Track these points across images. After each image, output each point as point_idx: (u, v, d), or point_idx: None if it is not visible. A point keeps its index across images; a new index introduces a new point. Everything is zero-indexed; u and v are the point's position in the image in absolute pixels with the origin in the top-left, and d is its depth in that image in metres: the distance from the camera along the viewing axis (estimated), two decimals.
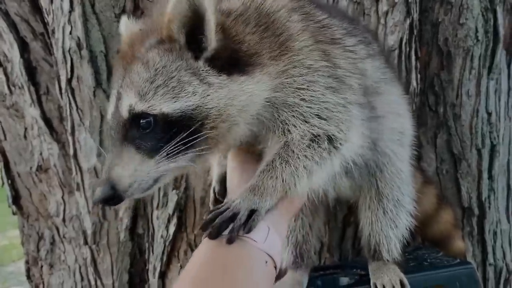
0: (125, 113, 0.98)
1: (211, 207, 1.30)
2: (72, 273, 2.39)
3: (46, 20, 1.92)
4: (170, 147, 0.95)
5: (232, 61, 1.01)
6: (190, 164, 1.01)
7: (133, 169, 0.95)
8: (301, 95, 1.06)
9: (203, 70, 0.99)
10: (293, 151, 1.05)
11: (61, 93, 1.95)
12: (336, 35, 1.17)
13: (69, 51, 1.76)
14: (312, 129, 1.07)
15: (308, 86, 1.07)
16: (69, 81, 1.80)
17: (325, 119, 1.07)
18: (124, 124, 0.98)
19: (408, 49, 1.86)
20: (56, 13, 1.78)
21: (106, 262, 1.93)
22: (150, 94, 0.96)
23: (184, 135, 0.95)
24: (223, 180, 1.28)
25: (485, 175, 2.15)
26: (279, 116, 1.07)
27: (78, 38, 1.71)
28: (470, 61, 2.12)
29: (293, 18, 1.11)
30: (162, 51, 0.99)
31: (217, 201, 1.33)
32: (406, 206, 1.40)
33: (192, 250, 1.76)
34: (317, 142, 1.07)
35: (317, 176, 1.08)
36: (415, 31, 1.89)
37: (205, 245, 0.96)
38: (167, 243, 1.76)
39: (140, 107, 0.96)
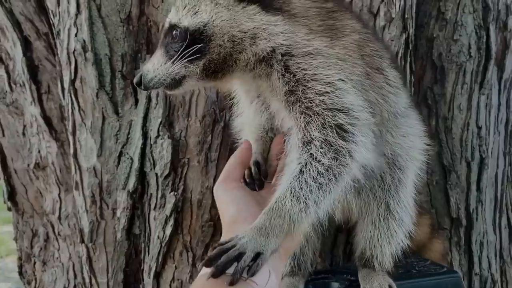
0: (166, 24, 1.25)
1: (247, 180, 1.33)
2: (65, 271, 2.42)
3: (51, 22, 1.95)
4: (183, 52, 1.15)
5: None
6: (197, 72, 1.18)
7: (156, 67, 1.19)
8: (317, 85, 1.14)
9: None
10: (307, 182, 1.08)
11: (63, 93, 1.98)
12: (384, 67, 1.29)
13: (73, 52, 1.79)
14: (336, 131, 1.12)
15: (330, 87, 1.13)
16: (72, 82, 1.83)
17: (348, 121, 1.12)
18: (165, 33, 1.24)
19: (403, 63, 1.92)
20: (62, 15, 1.81)
21: (101, 261, 1.95)
22: (180, 10, 1.20)
23: (195, 45, 1.15)
24: (265, 157, 1.37)
25: (473, 187, 2.21)
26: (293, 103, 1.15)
27: (84, 40, 1.75)
28: (462, 76, 2.19)
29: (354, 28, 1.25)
30: None
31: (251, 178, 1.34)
32: (407, 227, 1.44)
33: (188, 252, 1.80)
34: (337, 159, 1.10)
35: (327, 205, 1.11)
36: (410, 46, 1.95)
37: (203, 281, 0.99)
38: (163, 244, 1.80)
39: (174, 20, 1.20)
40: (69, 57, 1.82)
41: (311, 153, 1.10)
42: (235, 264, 0.98)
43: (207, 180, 1.78)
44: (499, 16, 2.29)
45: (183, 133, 1.78)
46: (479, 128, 2.23)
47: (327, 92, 1.13)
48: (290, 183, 1.09)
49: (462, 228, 2.18)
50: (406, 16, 1.87)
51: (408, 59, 1.95)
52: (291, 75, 1.16)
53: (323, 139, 1.11)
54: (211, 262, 1.00)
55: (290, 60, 1.16)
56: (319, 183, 1.08)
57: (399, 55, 1.83)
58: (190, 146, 1.78)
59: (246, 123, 1.43)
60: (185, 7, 1.19)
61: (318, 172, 1.08)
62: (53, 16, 1.88)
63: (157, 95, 1.75)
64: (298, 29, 1.18)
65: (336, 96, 1.13)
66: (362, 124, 1.15)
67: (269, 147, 1.38)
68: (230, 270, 0.98)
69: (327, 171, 1.09)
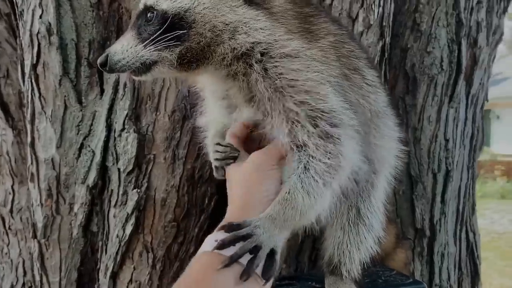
0: (141, 5, 1.18)
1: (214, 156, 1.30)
2: (14, 268, 2.29)
3: (15, 1, 1.83)
4: (159, 37, 1.10)
5: None
6: (171, 59, 1.12)
7: (125, 49, 1.13)
8: (297, 86, 1.12)
9: None
10: (315, 179, 1.09)
11: (23, 78, 1.86)
12: (361, 67, 1.27)
13: (37, 35, 1.69)
14: (321, 137, 1.11)
15: (310, 95, 1.11)
16: (34, 66, 1.72)
17: (333, 124, 1.11)
18: (138, 14, 1.18)
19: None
20: None
21: (54, 258, 1.84)
22: None
23: (173, 30, 1.10)
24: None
25: (438, 198, 2.23)
26: (273, 93, 1.12)
27: (49, 23, 1.64)
28: (433, 88, 2.22)
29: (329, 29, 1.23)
30: None
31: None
32: (376, 233, 1.42)
33: (148, 252, 1.72)
34: (333, 159, 1.11)
35: (327, 203, 1.15)
36: (386, 54, 1.95)
37: (204, 263, 1.00)
38: (122, 244, 1.71)
39: (150, 2, 1.14)
40: (31, 40, 1.71)
41: (309, 154, 1.11)
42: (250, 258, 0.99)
43: (173, 179, 1.70)
44: (470, 32, 2.33)
45: (150, 128, 1.69)
46: (447, 140, 2.25)
47: (307, 101, 1.11)
48: (300, 176, 1.10)
49: (426, 239, 2.20)
50: (384, 23, 1.86)
51: (383, 67, 1.94)
52: (271, 80, 1.12)
53: (313, 143, 1.11)
54: (224, 246, 0.99)
55: (268, 62, 1.13)
56: (324, 180, 1.10)
57: (375, 62, 1.81)
58: (157, 142, 1.70)
59: (210, 122, 1.38)
60: None
61: (322, 170, 1.10)
62: None
63: (125, 86, 1.67)
64: (278, 28, 1.15)
65: (317, 103, 1.11)
66: (346, 126, 1.14)
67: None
68: (243, 260, 0.98)
69: (329, 169, 1.10)
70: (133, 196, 1.67)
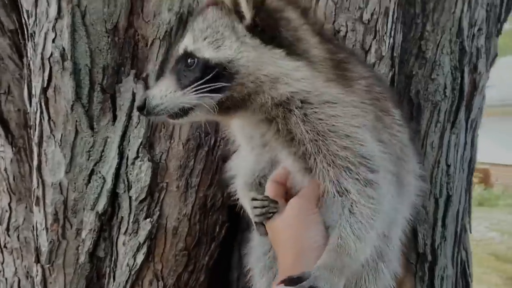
0: (180, 50, 1.19)
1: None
2: (9, 287, 2.24)
3: (25, 21, 1.79)
4: (200, 85, 1.11)
5: (274, 36, 1.15)
6: (210, 106, 1.12)
7: (164, 94, 1.14)
8: (338, 132, 1.15)
9: (241, 31, 1.15)
10: (362, 223, 1.13)
11: (30, 100, 1.82)
12: (389, 107, 1.30)
13: (49, 59, 1.65)
14: (364, 183, 1.14)
15: (350, 140, 1.14)
16: (44, 90, 1.69)
17: (372, 170, 1.14)
18: (177, 58, 1.20)
19: None
20: (39, 17, 1.66)
21: (58, 283, 1.81)
22: (200, 40, 1.16)
23: (215, 79, 1.11)
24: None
25: (439, 223, 2.27)
26: (313, 139, 1.15)
27: (63, 48, 1.61)
28: (437, 114, 2.25)
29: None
30: (216, 10, 1.19)
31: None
32: (394, 268, 1.41)
33: (158, 281, 1.71)
34: (374, 204, 1.14)
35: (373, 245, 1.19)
36: (395, 83, 1.97)
37: None
38: (132, 272, 1.69)
39: (191, 48, 1.16)
40: (43, 63, 1.68)
41: (352, 199, 1.13)
42: None
43: (185, 207, 1.69)
44: (471, 58, 2.37)
45: (164, 156, 1.68)
46: (448, 166, 2.29)
47: (348, 146, 1.14)
48: (348, 221, 1.12)
49: (427, 263, 2.23)
50: (394, 54, 1.88)
51: None
52: (311, 125, 1.15)
53: (356, 190, 1.13)
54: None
55: (308, 109, 1.15)
56: (370, 224, 1.13)
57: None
58: (170, 170, 1.68)
59: (241, 167, 1.38)
60: (205, 38, 1.15)
61: (367, 214, 1.13)
62: (28, 16, 1.72)
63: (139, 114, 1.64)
64: (317, 77, 1.17)
65: (357, 149, 1.14)
66: (384, 171, 1.18)
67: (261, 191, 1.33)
68: None
69: (373, 213, 1.14)
70: (145, 226, 1.66)
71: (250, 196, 1.31)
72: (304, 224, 1.16)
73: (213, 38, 1.15)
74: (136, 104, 1.18)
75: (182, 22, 1.63)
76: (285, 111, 1.16)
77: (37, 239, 1.86)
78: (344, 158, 1.14)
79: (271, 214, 1.23)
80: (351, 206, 1.14)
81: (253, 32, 1.14)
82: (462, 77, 2.28)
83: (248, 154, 1.35)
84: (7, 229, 2.31)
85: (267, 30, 1.15)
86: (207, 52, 1.13)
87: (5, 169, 2.26)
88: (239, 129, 1.34)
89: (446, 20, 2.23)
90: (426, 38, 2.22)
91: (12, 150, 2.22)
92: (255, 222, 1.31)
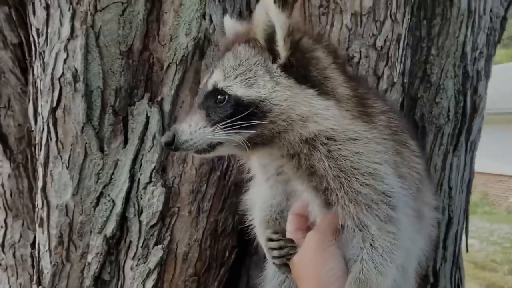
0: (210, 86, 1.18)
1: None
2: None
3: (33, 38, 1.74)
4: (231, 122, 1.10)
5: (306, 75, 1.16)
6: (239, 142, 1.12)
7: (194, 130, 1.13)
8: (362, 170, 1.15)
9: (275, 71, 1.15)
10: (384, 257, 1.13)
11: (35, 118, 1.78)
12: (406, 139, 1.30)
13: (59, 79, 1.61)
14: (384, 220, 1.14)
15: (372, 177, 1.14)
16: (53, 110, 1.64)
17: (393, 207, 1.14)
18: (206, 94, 1.18)
19: None
20: (51, 36, 1.62)
21: None
22: (232, 77, 1.15)
23: (246, 117, 1.10)
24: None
25: (441, 245, 2.29)
26: (339, 177, 1.14)
27: (76, 69, 1.57)
28: (440, 138, 2.27)
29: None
30: (247, 47, 1.20)
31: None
32: None
33: None
34: (394, 239, 1.14)
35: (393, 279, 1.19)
36: (404, 108, 1.99)
37: None
38: None
39: (222, 85, 1.15)
40: (52, 83, 1.63)
41: (372, 234, 1.14)
42: None
43: (196, 232, 1.67)
44: (472, 81, 2.41)
45: (177, 180, 1.65)
46: (450, 188, 2.32)
47: (370, 184, 1.14)
48: (369, 255, 1.13)
49: (429, 286, 2.25)
50: (405, 80, 1.90)
51: None
52: (335, 161, 1.14)
53: (376, 226, 1.14)
54: None
55: (333, 145, 1.15)
56: (391, 259, 1.13)
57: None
58: (182, 195, 1.66)
59: (257, 200, 1.37)
60: (237, 76, 1.15)
61: (388, 249, 1.14)
62: (38, 35, 1.68)
63: (154, 138, 1.61)
64: (344, 115, 1.17)
65: (378, 186, 1.14)
66: (404, 206, 1.18)
67: (278, 227, 1.33)
68: None
69: (393, 248, 1.14)
70: (157, 252, 1.62)
71: (266, 235, 1.31)
72: (322, 258, 1.16)
73: (245, 76, 1.15)
74: (164, 139, 1.14)
75: (199, 47, 1.60)
76: (310, 147, 1.16)
77: (39, 261, 1.81)
78: (366, 196, 1.14)
79: (290, 255, 1.23)
80: (372, 240, 1.14)
81: (287, 72, 1.15)
82: (465, 101, 2.31)
83: (263, 184, 1.35)
84: (2, 245, 2.25)
85: (300, 69, 1.15)
86: (240, 90, 1.13)
87: (2, 185, 2.20)
88: (255, 159, 1.34)
89: (450, 44, 2.26)
90: (431, 62, 2.25)
91: (10, 166, 2.16)
92: (274, 263, 1.30)
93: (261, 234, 1.35)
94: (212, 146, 1.14)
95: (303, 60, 1.16)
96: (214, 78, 1.18)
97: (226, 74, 1.17)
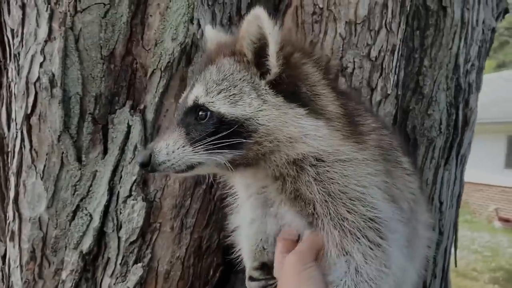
0: (190, 101, 1.10)
1: None
2: None
3: (7, 39, 1.63)
4: (212, 141, 1.02)
5: (294, 93, 1.08)
6: (221, 163, 1.04)
7: (172, 150, 1.05)
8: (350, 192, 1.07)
9: (263, 88, 1.07)
10: (369, 284, 1.05)
11: (9, 124, 1.66)
12: (398, 157, 1.23)
13: (35, 83, 1.50)
14: (370, 247, 1.06)
15: (362, 193, 1.07)
16: (27, 116, 1.53)
17: (380, 233, 1.07)
18: (186, 110, 1.10)
19: None
20: (26, 37, 1.51)
21: None
22: (214, 93, 1.07)
23: (229, 136, 1.02)
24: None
25: (431, 261, 2.23)
26: (326, 200, 1.07)
27: (53, 74, 1.46)
28: (432, 151, 2.22)
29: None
30: (233, 61, 1.11)
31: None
32: None
33: None
34: (380, 265, 1.07)
35: None
36: (397, 121, 1.93)
37: None
38: None
39: (203, 100, 1.07)
40: (27, 88, 1.52)
41: (357, 261, 1.06)
42: None
43: (179, 249, 1.57)
44: (464, 94, 2.36)
45: (158, 194, 1.55)
46: (441, 203, 2.26)
47: (358, 210, 1.07)
48: (353, 280, 1.05)
49: None
50: (399, 92, 1.83)
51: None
52: (323, 184, 1.07)
53: (361, 253, 1.06)
54: None
55: (322, 167, 1.08)
56: (377, 285, 1.06)
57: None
58: (164, 209, 1.56)
59: (243, 227, 1.29)
60: (220, 92, 1.07)
61: (374, 275, 1.06)
62: (13, 35, 1.57)
63: (135, 148, 1.51)
64: (334, 135, 1.10)
65: (367, 212, 1.07)
66: (393, 232, 1.11)
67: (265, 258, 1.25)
68: None
69: (380, 274, 1.07)
70: (136, 271, 1.52)
71: (248, 273, 1.25)
72: (299, 281, 1.08)
73: (230, 92, 1.07)
74: (140, 159, 1.06)
75: (185, 53, 1.51)
76: (298, 169, 1.09)
77: (9, 277, 1.70)
78: (352, 223, 1.07)
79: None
80: (357, 265, 1.07)
81: (276, 89, 1.07)
82: (457, 114, 2.26)
83: (244, 203, 1.27)
84: None
85: (289, 86, 1.08)
86: (223, 107, 1.05)
87: None
88: (237, 177, 1.26)
89: (443, 56, 2.21)
90: (424, 73, 2.20)
91: None
92: None
93: (249, 264, 1.27)
94: (191, 167, 1.07)
95: (293, 77, 1.08)
96: (195, 93, 1.10)
97: (208, 89, 1.08)
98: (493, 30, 2.55)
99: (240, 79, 1.08)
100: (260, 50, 1.07)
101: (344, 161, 1.09)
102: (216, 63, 1.12)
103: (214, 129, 1.04)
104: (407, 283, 1.34)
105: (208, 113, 1.05)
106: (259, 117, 1.04)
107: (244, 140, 1.03)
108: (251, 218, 1.24)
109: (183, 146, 1.05)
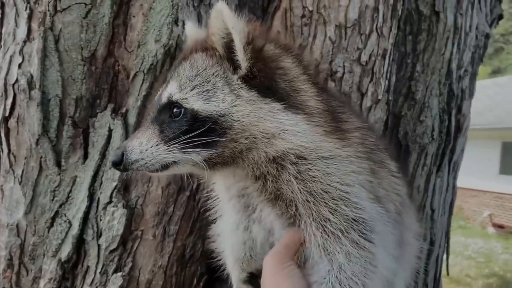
0: (164, 99, 1.06)
1: None
2: None
3: None
4: (186, 139, 0.99)
5: (270, 87, 1.04)
6: (197, 162, 1.00)
7: (145, 148, 1.01)
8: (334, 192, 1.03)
9: (236, 83, 1.04)
10: (354, 280, 1.01)
11: None
12: (384, 158, 1.18)
13: (13, 85, 1.45)
14: (354, 247, 1.02)
15: (345, 192, 1.03)
16: (5, 119, 1.48)
17: (364, 233, 1.03)
18: (160, 107, 1.06)
19: None
20: (5, 37, 1.47)
21: None
22: (188, 89, 1.04)
23: (204, 134, 0.99)
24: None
25: (422, 270, 2.18)
26: (307, 201, 1.03)
27: (31, 75, 1.41)
28: (424, 158, 2.18)
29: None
30: (205, 56, 1.08)
31: None
32: None
33: None
34: (367, 265, 1.03)
35: None
36: (388, 127, 1.89)
37: None
38: None
39: (177, 97, 1.04)
40: (6, 89, 1.48)
41: (339, 262, 1.02)
42: None
43: (161, 258, 1.52)
44: (457, 100, 2.33)
45: (140, 201, 1.50)
46: (433, 211, 2.22)
47: (341, 210, 1.03)
48: (337, 277, 1.02)
49: None
50: (390, 98, 1.79)
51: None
52: (304, 183, 1.02)
53: (344, 255, 1.03)
54: None
55: (303, 165, 1.03)
56: (363, 282, 1.02)
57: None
58: (146, 216, 1.51)
59: (226, 233, 1.23)
60: (194, 88, 1.04)
61: (359, 271, 1.02)
62: None
63: None
64: (316, 130, 1.05)
65: (350, 212, 1.03)
66: (378, 233, 1.07)
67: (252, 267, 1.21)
68: None
69: (365, 271, 1.03)
70: (116, 280, 1.47)
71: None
72: (277, 281, 1.05)
73: (203, 88, 1.04)
74: (112, 158, 1.02)
75: (170, 55, 1.46)
76: (278, 167, 1.04)
77: None
78: (335, 224, 1.03)
79: None
80: (341, 264, 1.03)
81: (249, 84, 1.03)
82: (450, 120, 2.23)
83: (225, 206, 1.22)
84: None
85: (264, 81, 1.03)
86: (197, 103, 1.02)
87: None
88: (217, 179, 1.21)
89: (436, 61, 2.17)
90: (416, 78, 2.16)
91: None
92: None
93: (235, 276, 1.22)
94: (165, 166, 1.02)
95: (267, 71, 1.04)
96: (169, 90, 1.06)
97: (182, 86, 1.05)
98: (487, 36, 2.52)
99: (213, 74, 1.05)
100: (230, 45, 1.03)
101: (326, 158, 1.04)
102: (189, 59, 1.09)
103: (188, 126, 1.00)
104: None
105: (182, 110, 1.02)
106: (233, 113, 1.01)
107: (219, 139, 0.99)
108: (235, 223, 1.19)
109: (157, 145, 1.02)
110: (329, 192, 1.03)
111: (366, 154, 1.13)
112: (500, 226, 13.48)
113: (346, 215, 1.03)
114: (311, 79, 1.13)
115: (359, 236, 1.03)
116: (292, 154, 1.03)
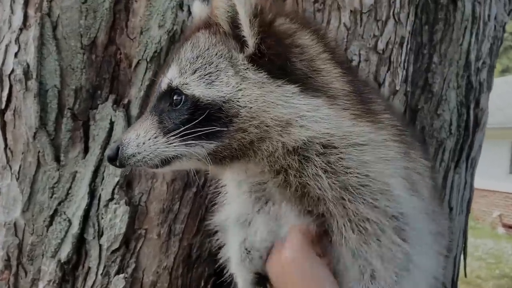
0: (164, 85, 0.97)
1: None
2: None
3: None
4: (188, 129, 0.89)
5: (283, 67, 0.92)
6: (201, 156, 0.91)
7: (142, 141, 0.93)
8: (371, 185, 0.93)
9: (241, 63, 0.93)
10: None
11: None
12: (412, 140, 1.09)
13: (9, 76, 1.37)
14: (391, 249, 0.94)
15: (386, 184, 0.93)
16: (2, 112, 1.41)
17: (401, 229, 0.94)
18: (160, 95, 0.98)
19: None
20: (0, 25, 1.39)
21: None
22: (188, 73, 0.94)
23: (206, 123, 0.89)
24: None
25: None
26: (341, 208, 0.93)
27: (28, 64, 1.34)
28: (442, 153, 2.08)
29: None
30: (208, 34, 0.97)
31: None
32: None
33: None
34: (403, 271, 0.95)
35: None
36: (406, 120, 1.79)
37: None
38: None
39: (176, 82, 0.94)
40: (1, 80, 1.40)
41: (373, 266, 0.94)
42: None
43: (166, 259, 1.43)
44: (475, 93, 2.23)
45: (144, 197, 1.42)
46: (451, 209, 2.13)
47: (381, 206, 0.92)
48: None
49: None
50: (408, 89, 1.70)
51: None
52: (336, 176, 0.91)
53: (380, 260, 0.94)
54: None
55: (332, 155, 0.92)
56: None
57: None
58: (151, 214, 1.42)
59: (230, 226, 1.11)
60: (195, 71, 0.93)
61: (392, 281, 0.94)
62: None
63: None
64: (342, 115, 0.94)
65: (391, 207, 0.93)
66: (417, 230, 0.98)
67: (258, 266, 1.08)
68: None
69: (399, 279, 0.95)
70: (118, 282, 1.38)
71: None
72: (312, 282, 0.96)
73: (204, 71, 0.93)
74: (107, 152, 0.94)
75: (174, 42, 1.38)
76: (301, 160, 0.92)
77: None
78: (374, 224, 0.92)
79: None
80: (373, 270, 0.94)
81: (258, 64, 0.92)
82: (468, 114, 2.13)
83: (234, 200, 1.11)
84: None
85: (275, 60, 0.92)
86: (198, 89, 0.92)
87: None
88: (229, 174, 1.10)
89: (453, 52, 2.07)
90: (433, 70, 2.06)
91: None
92: None
93: (241, 277, 1.11)
94: (166, 161, 0.93)
95: (279, 48, 0.92)
96: (169, 75, 0.96)
97: (182, 70, 0.95)
98: (504, 28, 2.43)
99: (216, 54, 0.95)
100: (236, 19, 0.92)
101: (360, 145, 0.93)
102: (190, 40, 0.99)
103: (189, 115, 0.90)
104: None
105: (183, 97, 0.92)
106: (239, 98, 0.90)
107: (224, 128, 0.89)
108: (241, 218, 1.08)
109: (155, 137, 0.93)
110: (367, 185, 0.93)
111: (399, 137, 1.02)
112: (510, 227, 13.32)
113: (386, 212, 0.93)
114: (335, 58, 1.01)
115: (397, 236, 0.95)
116: (317, 143, 0.91)
